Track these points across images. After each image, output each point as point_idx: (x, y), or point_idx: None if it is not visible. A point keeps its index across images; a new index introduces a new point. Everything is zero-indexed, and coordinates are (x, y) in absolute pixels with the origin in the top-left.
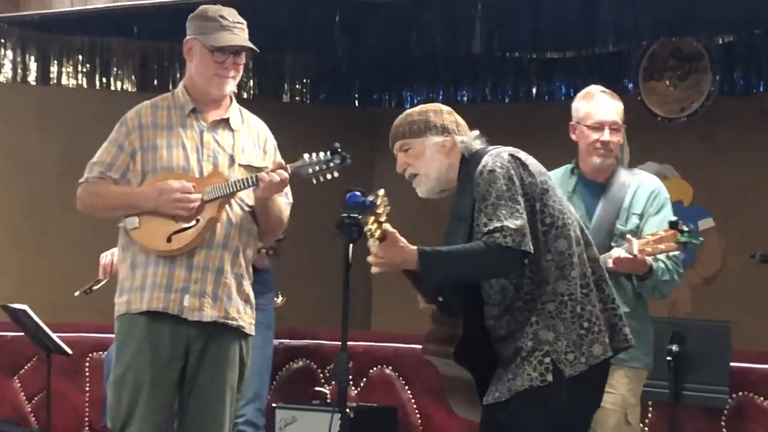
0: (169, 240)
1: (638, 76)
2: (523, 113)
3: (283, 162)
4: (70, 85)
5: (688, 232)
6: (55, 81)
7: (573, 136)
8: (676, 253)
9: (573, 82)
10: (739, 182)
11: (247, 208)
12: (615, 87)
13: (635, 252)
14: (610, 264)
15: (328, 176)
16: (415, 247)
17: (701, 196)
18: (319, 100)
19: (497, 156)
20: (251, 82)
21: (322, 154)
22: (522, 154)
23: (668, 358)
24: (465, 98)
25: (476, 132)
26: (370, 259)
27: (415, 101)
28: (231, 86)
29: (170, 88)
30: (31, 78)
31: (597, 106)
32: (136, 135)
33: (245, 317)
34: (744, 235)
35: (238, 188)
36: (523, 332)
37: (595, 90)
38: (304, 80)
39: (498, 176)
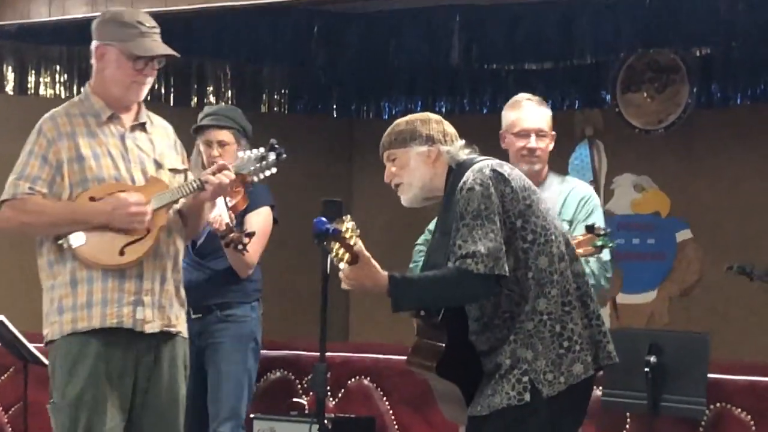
0: (121, 253)
1: (616, 88)
2: (500, 124)
3: (225, 164)
4: (48, 95)
5: (604, 236)
6: (32, 91)
7: (503, 145)
8: (605, 258)
9: (551, 93)
10: (717, 194)
11: (174, 211)
12: (593, 98)
13: None
14: None
15: (267, 173)
16: (386, 273)
17: (679, 207)
18: (297, 110)
19: (479, 171)
20: (229, 93)
21: (256, 150)
22: (506, 168)
23: (646, 369)
24: (443, 109)
25: (462, 142)
26: (341, 276)
27: (393, 112)
28: (146, 91)
29: (148, 98)
30: (9, 88)
31: (522, 114)
32: (59, 146)
33: (182, 322)
34: (721, 247)
35: (184, 194)
36: (502, 350)
37: (522, 98)
38: (282, 91)
39: (476, 194)
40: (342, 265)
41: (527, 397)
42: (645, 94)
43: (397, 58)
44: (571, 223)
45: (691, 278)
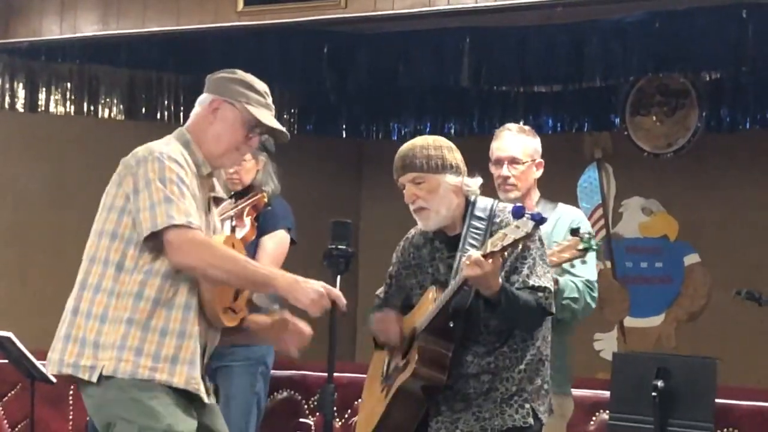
0: (224, 311)
1: (625, 111)
2: None
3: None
4: (58, 113)
5: (588, 239)
6: (42, 108)
7: None
8: (591, 278)
9: (560, 116)
10: (725, 218)
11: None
12: (602, 121)
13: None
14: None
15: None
16: (500, 281)
17: (687, 231)
18: (306, 130)
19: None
20: None
21: None
22: None
23: (653, 393)
24: (452, 131)
25: (480, 180)
26: (472, 262)
27: (403, 133)
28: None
29: (157, 116)
30: (19, 105)
31: (497, 143)
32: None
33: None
34: (729, 271)
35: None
36: (507, 377)
37: (503, 128)
38: (292, 111)
39: (537, 238)
40: (479, 252)
41: (531, 420)
42: (654, 118)
43: (407, 79)
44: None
45: (698, 303)
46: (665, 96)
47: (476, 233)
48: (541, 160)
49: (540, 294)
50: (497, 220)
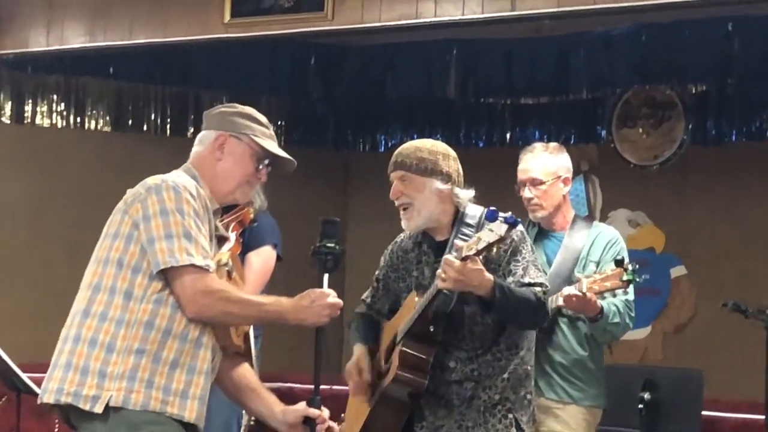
0: (237, 335)
1: (612, 124)
2: (496, 158)
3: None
4: (45, 125)
5: (632, 271)
6: (29, 120)
7: None
8: (630, 297)
9: (547, 128)
10: (711, 230)
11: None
12: (588, 133)
13: (584, 290)
14: (560, 302)
15: None
16: (491, 276)
17: (673, 243)
18: (293, 142)
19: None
20: None
21: None
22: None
23: (640, 405)
24: None
25: (472, 193)
26: (444, 267)
27: (390, 144)
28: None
29: (144, 128)
30: (5, 117)
31: (520, 165)
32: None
33: None
34: (715, 283)
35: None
36: (490, 385)
37: (526, 149)
38: (279, 122)
39: (527, 240)
40: (454, 258)
41: (513, 431)
42: (641, 130)
43: (394, 90)
44: (598, 264)
45: (685, 314)
46: (652, 108)
47: (464, 239)
48: (569, 176)
49: (537, 288)
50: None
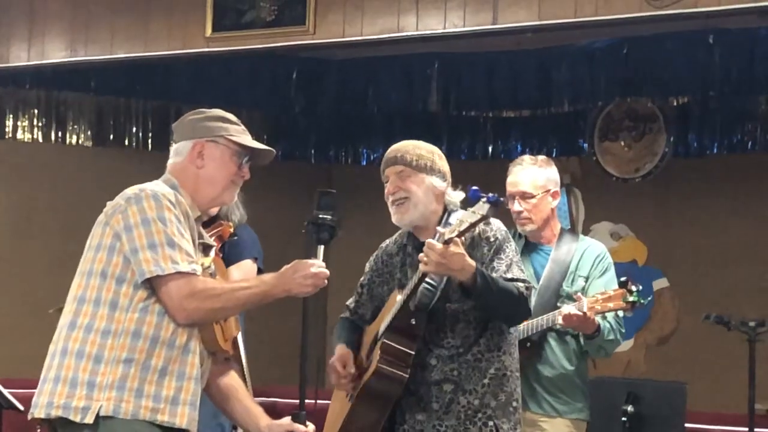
0: (225, 341)
1: (593, 136)
2: (478, 171)
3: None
4: (26, 139)
5: (636, 292)
6: (10, 135)
7: None
8: (620, 313)
9: (529, 141)
10: (693, 243)
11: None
12: (570, 146)
13: (585, 310)
14: (560, 320)
15: None
16: (474, 262)
17: (655, 256)
18: (275, 156)
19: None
20: None
21: None
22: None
23: (623, 418)
24: None
25: (462, 195)
26: (425, 250)
27: (372, 158)
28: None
29: (126, 143)
30: None
31: (509, 178)
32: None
33: None
34: (698, 296)
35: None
36: (470, 390)
37: (515, 162)
38: (262, 136)
39: (510, 240)
40: (438, 242)
41: None
42: (622, 143)
43: (376, 104)
44: (586, 279)
45: (668, 327)
46: (633, 121)
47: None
48: (557, 189)
49: (520, 284)
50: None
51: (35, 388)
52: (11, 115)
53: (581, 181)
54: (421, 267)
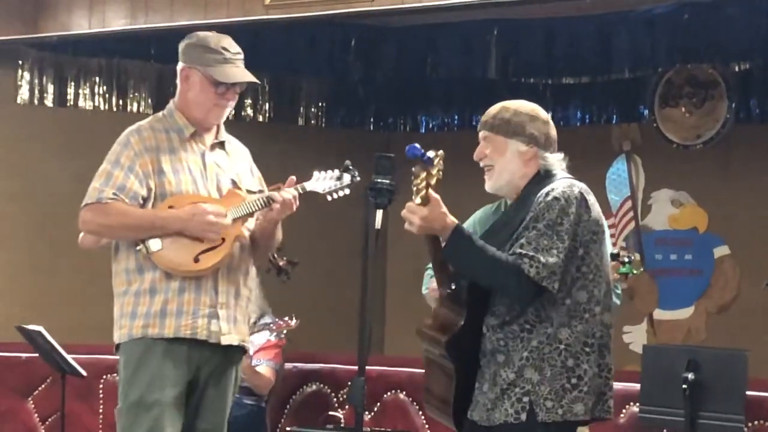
0: (196, 260)
1: (654, 103)
2: None
3: (294, 179)
4: (87, 107)
5: (628, 263)
6: (72, 103)
7: None
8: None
9: (588, 107)
10: (755, 210)
11: (247, 229)
12: (630, 113)
13: None
14: None
15: (340, 193)
16: (455, 221)
17: (716, 223)
18: (334, 123)
19: (569, 187)
20: (267, 106)
21: (331, 171)
22: (591, 197)
23: (683, 386)
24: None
25: (561, 155)
26: (405, 214)
27: (431, 126)
28: (227, 114)
29: None
30: (48, 100)
31: None
32: (145, 159)
33: (247, 336)
34: (759, 263)
35: (258, 207)
36: (510, 362)
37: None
38: (320, 104)
39: (558, 206)
40: (416, 201)
41: (523, 417)
42: (683, 109)
43: (434, 71)
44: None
45: (728, 295)
46: (694, 87)
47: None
48: None
49: (525, 260)
50: (539, 198)
51: (98, 353)
52: (72, 83)
53: (641, 148)
54: (406, 227)
